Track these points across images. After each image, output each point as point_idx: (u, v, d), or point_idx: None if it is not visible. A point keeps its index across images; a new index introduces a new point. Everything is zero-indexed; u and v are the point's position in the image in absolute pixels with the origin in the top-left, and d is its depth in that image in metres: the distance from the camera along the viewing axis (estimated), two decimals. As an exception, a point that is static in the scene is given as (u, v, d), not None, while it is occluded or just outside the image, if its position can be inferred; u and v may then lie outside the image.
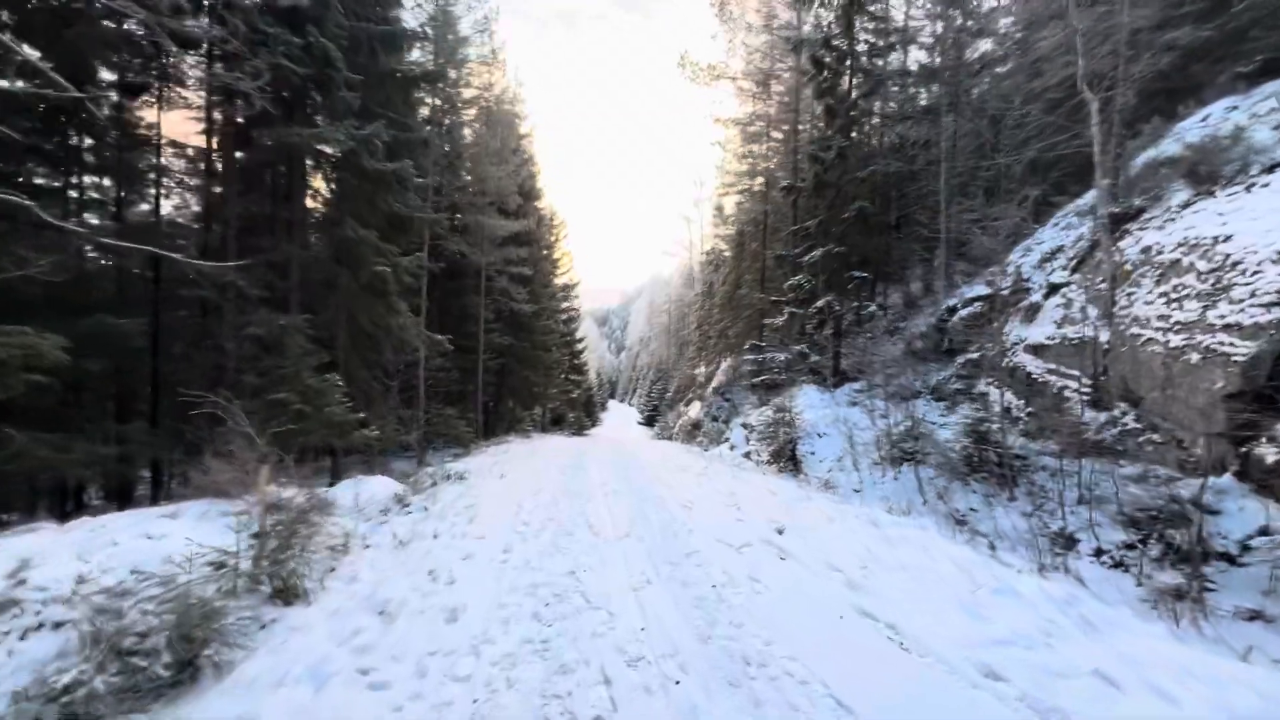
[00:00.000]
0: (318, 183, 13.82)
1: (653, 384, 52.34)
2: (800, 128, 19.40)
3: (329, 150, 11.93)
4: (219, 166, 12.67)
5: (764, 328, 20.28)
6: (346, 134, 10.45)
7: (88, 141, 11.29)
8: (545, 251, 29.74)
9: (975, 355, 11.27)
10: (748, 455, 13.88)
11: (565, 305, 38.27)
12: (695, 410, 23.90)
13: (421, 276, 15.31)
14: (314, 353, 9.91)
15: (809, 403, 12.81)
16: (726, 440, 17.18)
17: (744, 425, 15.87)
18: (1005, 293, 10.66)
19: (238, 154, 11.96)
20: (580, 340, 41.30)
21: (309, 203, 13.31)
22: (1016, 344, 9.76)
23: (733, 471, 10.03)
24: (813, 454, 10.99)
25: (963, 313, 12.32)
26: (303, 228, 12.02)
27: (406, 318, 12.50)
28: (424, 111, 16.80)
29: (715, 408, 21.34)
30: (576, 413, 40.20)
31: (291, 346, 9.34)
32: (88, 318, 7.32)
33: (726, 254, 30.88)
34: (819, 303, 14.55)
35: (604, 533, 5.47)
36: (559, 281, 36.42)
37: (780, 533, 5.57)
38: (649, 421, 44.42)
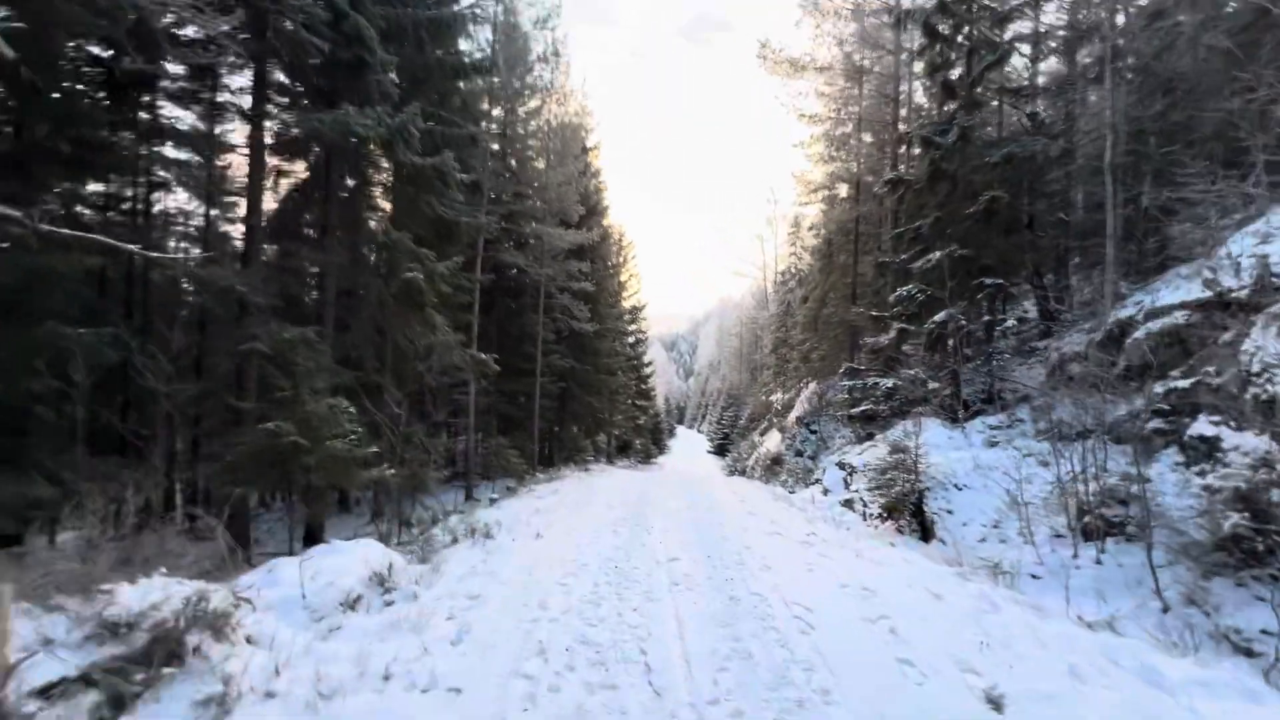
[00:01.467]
0: (375, 193, 12.54)
1: (723, 411, 49.35)
2: (900, 117, 16.62)
3: (374, 151, 10.57)
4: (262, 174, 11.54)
5: (858, 349, 17.34)
6: (376, 119, 8.88)
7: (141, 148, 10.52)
8: (611, 271, 28.09)
9: (1185, 382, 8.07)
10: (849, 505, 11.04)
11: (632, 328, 36.47)
12: (773, 442, 21.05)
13: (471, 290, 13.69)
14: (327, 371, 8.21)
15: (933, 441, 9.89)
16: (817, 482, 14.31)
17: (840, 465, 13.01)
18: (1239, 294, 7.48)
19: (271, 159, 10.81)
20: (648, 364, 39.30)
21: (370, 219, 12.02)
22: (1274, 365, 6.59)
23: (846, 537, 7.34)
24: (950, 513, 8.11)
25: (1151, 325, 9.09)
26: (340, 233, 10.62)
27: (447, 334, 10.74)
28: (487, 126, 15.44)
29: (799, 440, 18.43)
30: (643, 440, 37.99)
31: (300, 364, 7.65)
32: (40, 326, 5.88)
33: (803, 270, 28.09)
34: (938, 317, 11.62)
35: (673, 688, 3.06)
36: (626, 304, 34.72)
37: (998, 707, 2.96)
38: (720, 451, 41.48)
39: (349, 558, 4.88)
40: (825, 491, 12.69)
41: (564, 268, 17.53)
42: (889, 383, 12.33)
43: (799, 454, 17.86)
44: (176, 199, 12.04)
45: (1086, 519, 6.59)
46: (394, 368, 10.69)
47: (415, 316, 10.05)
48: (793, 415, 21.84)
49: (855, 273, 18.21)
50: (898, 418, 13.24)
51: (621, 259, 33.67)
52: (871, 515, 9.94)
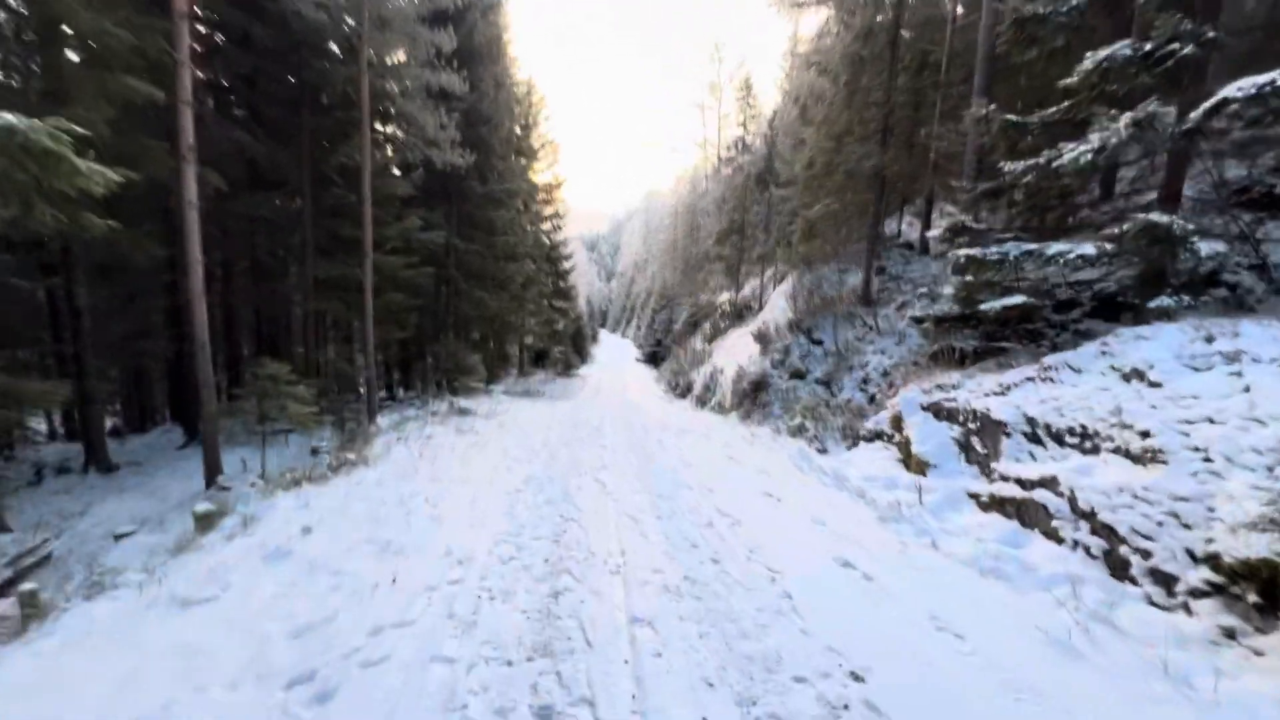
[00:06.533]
0: None
1: (655, 314, 42.56)
2: None
3: None
4: None
5: (885, 217, 10.50)
6: None
7: None
8: (516, 123, 19.16)
9: None
10: (1019, 514, 4.56)
11: (550, 211, 27.90)
12: (744, 355, 14.43)
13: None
14: None
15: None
16: (880, 437, 7.80)
17: (934, 411, 6.49)
18: None
19: None
20: (568, 256, 31.18)
21: None
22: None
23: None
24: None
25: None
26: None
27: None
28: None
29: (799, 356, 11.84)
30: (563, 348, 30.71)
31: None
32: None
33: (783, 104, 20.56)
34: (1245, 84, 4.77)
35: None
36: (539, 179, 25.88)
37: None
38: (651, 359, 35.06)
39: None
40: (923, 467, 6.19)
41: (409, 32, 8.96)
42: (1085, 249, 5.56)
43: (797, 375, 11.35)
44: None
45: None
46: None
47: None
48: (772, 316, 15.17)
49: (892, 88, 10.95)
50: (1040, 334, 6.75)
51: (531, 119, 24.40)
52: (1177, 586, 3.45)
